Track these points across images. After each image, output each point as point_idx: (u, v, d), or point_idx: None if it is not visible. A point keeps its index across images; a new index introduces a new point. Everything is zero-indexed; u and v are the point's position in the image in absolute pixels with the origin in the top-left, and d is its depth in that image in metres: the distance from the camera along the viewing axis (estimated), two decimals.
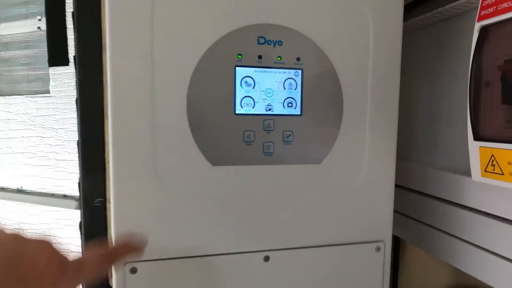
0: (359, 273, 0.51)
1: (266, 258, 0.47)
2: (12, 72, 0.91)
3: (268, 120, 0.46)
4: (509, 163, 0.42)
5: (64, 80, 0.81)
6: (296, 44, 0.46)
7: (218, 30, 0.43)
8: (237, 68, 0.44)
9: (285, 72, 0.46)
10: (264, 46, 0.45)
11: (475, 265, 0.52)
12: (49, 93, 0.84)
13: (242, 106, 0.45)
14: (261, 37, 0.45)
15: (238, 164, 0.45)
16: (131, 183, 0.42)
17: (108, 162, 0.44)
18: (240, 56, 0.44)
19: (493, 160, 0.44)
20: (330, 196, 0.49)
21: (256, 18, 0.44)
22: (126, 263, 0.43)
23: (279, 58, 0.45)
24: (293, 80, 0.46)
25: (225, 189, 0.45)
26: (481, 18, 0.45)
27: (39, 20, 0.84)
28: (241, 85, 0.45)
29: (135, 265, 0.43)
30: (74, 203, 0.82)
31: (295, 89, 0.46)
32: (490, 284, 0.50)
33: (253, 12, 0.44)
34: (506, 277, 0.47)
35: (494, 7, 0.44)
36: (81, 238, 0.78)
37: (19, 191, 0.90)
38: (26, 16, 0.87)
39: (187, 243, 0.45)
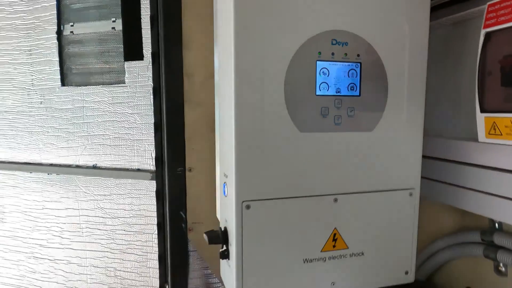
0: (397, 212, 0.70)
1: (335, 200, 0.66)
2: (87, 65, 1.05)
3: (337, 99, 0.64)
4: (505, 126, 0.62)
5: (139, 72, 0.95)
6: (357, 44, 0.64)
7: (306, 34, 0.60)
8: (317, 62, 0.62)
9: (349, 65, 0.64)
10: (336, 46, 0.62)
11: (481, 206, 0.71)
12: (124, 83, 0.99)
13: (320, 89, 0.63)
14: (334, 39, 0.62)
15: (317, 131, 0.63)
16: (250, 150, 0.59)
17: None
18: (319, 53, 0.62)
19: (494, 126, 0.64)
20: (379, 155, 0.67)
21: (331, 26, 0.61)
22: (243, 201, 0.60)
23: (345, 55, 0.63)
24: (354, 71, 0.64)
25: (308, 148, 0.63)
26: (486, 26, 0.65)
27: (113, 21, 0.99)
28: (319, 74, 0.62)
29: (249, 203, 0.61)
30: (149, 175, 0.97)
31: (356, 77, 0.64)
32: (493, 218, 0.70)
33: (329, 22, 0.61)
34: (506, 211, 0.66)
35: (495, 19, 0.63)
36: (158, 203, 0.95)
37: (95, 167, 1.05)
38: (100, 18, 1.01)
39: (284, 189, 0.62)
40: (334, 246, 0.67)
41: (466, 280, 0.88)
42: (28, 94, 1.07)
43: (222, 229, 0.68)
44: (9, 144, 1.11)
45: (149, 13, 0.90)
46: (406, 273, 0.73)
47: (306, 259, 0.65)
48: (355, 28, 0.63)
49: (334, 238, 0.67)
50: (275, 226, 0.63)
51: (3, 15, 1.06)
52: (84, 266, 1.08)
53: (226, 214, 0.67)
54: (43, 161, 1.07)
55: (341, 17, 0.62)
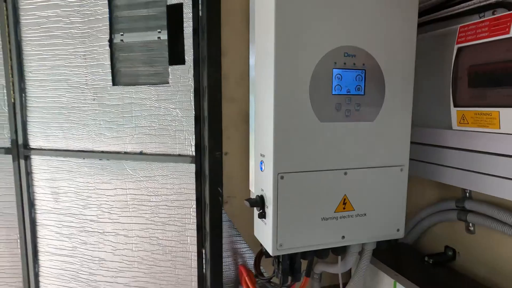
0: (392, 183, 0.92)
1: (345, 173, 0.87)
2: (135, 68, 1.24)
3: (348, 97, 0.85)
4: (471, 117, 0.84)
5: (181, 74, 1.15)
6: (362, 56, 0.85)
7: (326, 49, 0.81)
8: (333, 69, 0.83)
9: (356, 71, 0.85)
10: (347, 57, 0.84)
11: (455, 179, 0.93)
12: (168, 83, 1.19)
13: (335, 90, 0.84)
14: (345, 52, 0.83)
15: (332, 121, 0.84)
16: (284, 134, 0.80)
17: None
18: (335, 63, 0.83)
19: (463, 117, 0.86)
20: (378, 139, 0.89)
21: (343, 42, 0.83)
22: (279, 173, 0.82)
23: (353, 64, 0.84)
24: (360, 76, 0.86)
25: (326, 134, 0.84)
26: (458, 42, 0.87)
27: (159, 32, 1.18)
28: (335, 78, 0.83)
29: (283, 175, 0.82)
30: (188, 159, 1.18)
31: (361, 81, 0.86)
32: (465, 187, 0.92)
33: (342, 39, 0.82)
34: (476, 182, 0.88)
35: (465, 37, 0.85)
36: (197, 182, 1.16)
37: (141, 153, 1.25)
38: (147, 29, 1.20)
39: (308, 164, 0.83)
40: (344, 208, 0.89)
41: (445, 241, 1.11)
42: (82, 92, 1.26)
43: (259, 196, 0.90)
44: (64, 135, 1.30)
45: (191, 26, 1.11)
46: (398, 230, 0.95)
47: (323, 218, 0.87)
48: (361, 44, 0.84)
49: (344, 202, 0.89)
50: (301, 193, 0.84)
51: (61, 25, 1.25)
52: (130, 237, 1.28)
53: (263, 185, 0.89)
54: (95, 149, 1.27)
55: (351, 36, 0.83)
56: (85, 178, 1.30)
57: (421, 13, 1.02)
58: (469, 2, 0.89)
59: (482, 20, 0.80)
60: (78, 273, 1.36)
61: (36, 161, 1.36)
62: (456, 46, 0.87)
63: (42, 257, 1.41)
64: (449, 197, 1.06)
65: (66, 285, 1.39)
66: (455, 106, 0.88)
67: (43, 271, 1.42)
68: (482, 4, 0.87)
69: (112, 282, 1.32)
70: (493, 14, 0.86)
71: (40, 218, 1.39)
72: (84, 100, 1.27)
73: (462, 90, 0.86)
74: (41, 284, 1.43)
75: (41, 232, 1.40)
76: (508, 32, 0.74)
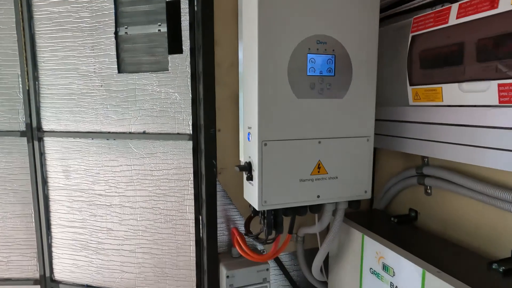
0: (359, 152, 1.09)
1: (319, 142, 1.04)
2: (137, 57, 1.40)
3: (320, 78, 1.02)
4: (422, 93, 1.01)
5: (179, 62, 1.30)
6: (332, 43, 1.01)
7: (301, 37, 0.98)
8: (308, 54, 0.99)
9: (327, 56, 1.02)
10: (319, 44, 1.00)
11: (414, 148, 1.11)
12: (168, 70, 1.35)
13: (310, 71, 1.00)
14: (318, 40, 1.00)
15: (307, 98, 1.01)
16: (267, 108, 0.97)
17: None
18: (309, 49, 0.99)
19: (417, 94, 1.03)
20: (346, 114, 1.06)
21: (316, 32, 0.99)
22: (263, 141, 0.98)
23: (325, 50, 1.01)
24: (330, 59, 1.02)
25: (302, 109, 1.01)
26: (412, 31, 1.04)
27: (159, 25, 1.34)
28: (309, 62, 1.00)
29: (267, 142, 0.98)
30: (186, 137, 1.33)
31: (332, 64, 1.02)
32: (425, 154, 1.09)
33: (315, 29, 0.99)
34: (431, 149, 1.05)
35: (417, 27, 1.02)
36: (194, 157, 1.32)
37: (144, 133, 1.41)
38: (148, 23, 1.35)
39: (287, 134, 1.00)
40: (318, 172, 1.06)
41: (409, 204, 1.28)
42: (90, 79, 1.41)
43: (247, 162, 1.06)
44: (75, 118, 1.45)
45: (187, 20, 1.27)
46: (365, 192, 1.12)
47: (301, 179, 1.04)
48: (331, 33, 1.01)
49: (319, 167, 1.06)
50: (282, 158, 1.01)
51: (71, 19, 1.40)
52: (135, 208, 1.44)
53: (250, 152, 1.05)
54: (103, 130, 1.42)
55: (322, 26, 1.00)
56: (93, 157, 1.46)
57: (385, 8, 1.20)
58: None
59: (430, 12, 0.97)
60: (88, 242, 1.52)
61: (49, 142, 1.51)
62: (411, 35, 1.04)
63: (54, 230, 1.56)
64: (411, 166, 1.23)
65: (77, 253, 1.54)
66: (410, 85, 1.05)
67: (56, 242, 1.57)
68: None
69: (118, 250, 1.48)
70: (441, 7, 1.03)
71: (52, 194, 1.55)
72: (93, 87, 1.42)
73: (415, 71, 1.03)
74: (53, 254, 1.58)
75: (53, 207, 1.56)
76: (447, 22, 0.91)
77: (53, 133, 1.50)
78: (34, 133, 1.50)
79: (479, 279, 0.84)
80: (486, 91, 0.82)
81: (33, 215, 1.56)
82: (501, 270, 0.87)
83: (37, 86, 1.48)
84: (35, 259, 1.60)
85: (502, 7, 0.76)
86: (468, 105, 0.89)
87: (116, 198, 1.46)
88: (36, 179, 1.53)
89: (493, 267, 0.88)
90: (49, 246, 1.58)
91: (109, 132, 1.42)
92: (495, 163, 0.86)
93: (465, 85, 0.88)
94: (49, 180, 1.54)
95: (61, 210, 1.54)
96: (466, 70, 0.86)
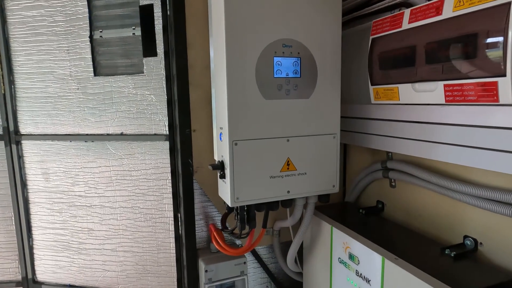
0: (326, 148, 1.15)
1: (288, 140, 1.10)
2: (112, 60, 1.42)
3: (287, 79, 1.07)
4: (381, 93, 1.08)
5: (154, 65, 1.34)
6: (297, 46, 1.07)
7: (268, 41, 1.03)
8: (274, 57, 1.05)
9: (293, 59, 1.07)
10: (285, 48, 1.06)
11: (378, 143, 1.18)
12: (143, 73, 1.38)
13: (276, 74, 1.06)
14: (283, 43, 1.05)
15: (275, 99, 1.06)
16: (236, 109, 1.02)
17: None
18: (275, 52, 1.05)
19: (377, 93, 1.10)
20: (312, 113, 1.12)
21: (282, 36, 1.04)
22: (233, 141, 1.03)
23: (290, 53, 1.06)
24: (296, 62, 1.08)
25: (270, 109, 1.06)
26: (372, 34, 1.10)
27: (133, 29, 1.37)
28: (276, 64, 1.05)
29: (237, 142, 1.04)
30: (163, 137, 1.37)
31: (297, 66, 1.08)
32: (387, 149, 1.16)
33: (281, 33, 1.04)
34: (393, 144, 1.13)
35: (376, 30, 1.08)
36: (171, 156, 1.36)
37: (122, 134, 1.44)
38: (123, 26, 1.38)
39: (257, 133, 1.05)
40: (288, 168, 1.11)
41: (376, 196, 1.36)
42: (67, 83, 1.43)
43: (220, 161, 1.11)
44: (52, 121, 1.47)
45: (161, 23, 1.30)
46: (333, 186, 1.19)
47: (271, 176, 1.10)
48: (296, 37, 1.06)
49: (288, 163, 1.11)
50: (252, 156, 1.06)
51: (45, 23, 1.41)
52: (115, 208, 1.47)
53: (222, 151, 1.10)
54: (81, 132, 1.45)
55: (287, 30, 1.05)
56: (72, 159, 1.48)
57: (348, 11, 1.26)
58: (382, 2, 1.13)
59: (386, 16, 1.04)
60: (69, 243, 1.55)
61: (27, 145, 1.52)
62: (370, 38, 1.10)
63: (35, 231, 1.58)
64: (377, 160, 1.31)
65: (58, 254, 1.57)
66: (372, 84, 1.12)
67: (37, 244, 1.59)
68: (391, 3, 1.10)
69: (100, 249, 1.52)
70: (399, 11, 1.10)
71: (32, 196, 1.56)
72: (69, 90, 1.44)
73: (375, 71, 1.10)
74: (35, 255, 1.60)
75: (33, 209, 1.57)
76: (401, 26, 0.98)
77: (31, 136, 1.51)
78: (11, 136, 1.51)
79: (432, 264, 0.92)
80: (435, 91, 0.89)
81: (13, 218, 1.58)
82: (452, 255, 0.95)
83: (13, 90, 1.49)
84: (17, 261, 1.61)
85: (445, 14, 0.83)
86: (421, 104, 0.96)
87: (96, 198, 1.49)
88: (15, 182, 1.55)
89: (446, 252, 0.96)
90: (31, 248, 1.60)
91: (87, 134, 1.45)
92: (447, 157, 0.93)
93: (417, 85, 0.95)
94: (28, 183, 1.56)
95: (42, 212, 1.56)
96: (417, 72, 0.93)
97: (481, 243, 0.97)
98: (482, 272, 0.89)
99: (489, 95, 0.76)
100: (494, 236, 0.93)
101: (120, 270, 1.51)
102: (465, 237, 1.00)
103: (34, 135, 1.51)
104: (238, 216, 1.13)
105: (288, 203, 1.19)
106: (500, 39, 0.72)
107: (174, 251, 1.44)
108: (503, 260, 0.91)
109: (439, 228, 1.09)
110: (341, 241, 1.15)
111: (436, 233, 1.10)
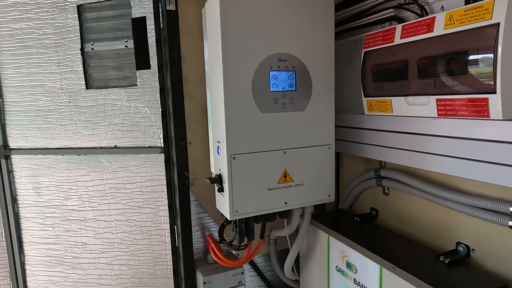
0: (322, 159, 1.17)
1: (284, 152, 1.11)
2: (105, 73, 1.41)
3: (282, 93, 1.09)
4: (375, 104, 1.11)
5: (147, 77, 1.33)
6: (292, 60, 1.09)
7: (264, 55, 1.04)
8: (270, 71, 1.06)
9: (288, 72, 1.09)
10: (280, 62, 1.07)
11: (371, 153, 1.20)
12: (137, 85, 1.38)
13: (272, 87, 1.07)
14: (279, 58, 1.07)
15: (271, 112, 1.08)
16: (234, 123, 1.02)
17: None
18: (271, 66, 1.06)
19: (371, 104, 1.13)
20: (308, 125, 1.13)
21: (277, 50, 1.06)
22: (231, 155, 1.04)
23: (286, 67, 1.08)
24: (291, 75, 1.09)
25: (267, 122, 1.07)
26: (364, 47, 1.13)
27: (126, 41, 1.36)
28: (271, 78, 1.07)
29: (235, 156, 1.04)
30: (158, 150, 1.36)
31: (293, 79, 1.10)
32: (380, 159, 1.19)
33: (276, 48, 1.05)
34: (386, 154, 1.15)
35: (368, 44, 1.11)
36: (166, 169, 1.35)
37: (116, 147, 1.43)
38: (115, 39, 1.37)
39: (254, 147, 1.06)
40: (285, 180, 1.13)
41: (370, 203, 1.39)
42: (58, 96, 1.40)
43: (218, 174, 1.12)
44: (43, 135, 1.44)
45: (154, 36, 1.30)
46: (329, 195, 1.21)
47: (269, 188, 1.11)
48: (291, 51, 1.08)
49: (285, 175, 1.13)
50: (250, 169, 1.07)
51: (34, 36, 1.38)
52: (110, 221, 1.46)
53: (220, 165, 1.11)
54: (73, 146, 1.43)
55: (282, 45, 1.07)
56: (64, 173, 1.46)
57: (340, 23, 1.28)
58: (372, 16, 1.16)
59: (378, 31, 1.06)
60: (62, 258, 1.52)
61: (17, 160, 1.49)
62: (363, 51, 1.13)
63: (27, 247, 1.55)
64: (371, 168, 1.34)
65: (51, 270, 1.54)
66: (365, 96, 1.15)
67: (29, 259, 1.56)
68: (381, 17, 1.14)
69: (95, 263, 1.50)
70: (390, 25, 1.13)
71: (23, 211, 1.53)
72: (60, 103, 1.42)
73: (368, 84, 1.13)
74: (27, 271, 1.57)
75: (24, 224, 1.54)
76: (393, 41, 1.00)
77: (21, 150, 1.48)
78: (0, 151, 1.48)
79: (428, 272, 0.95)
80: (427, 104, 0.92)
81: (3, 234, 1.54)
82: (446, 262, 0.98)
83: (1, 104, 1.46)
84: (8, 277, 1.58)
85: (436, 31, 0.86)
86: (414, 116, 0.99)
87: (90, 212, 1.47)
88: (5, 197, 1.51)
89: (440, 259, 0.99)
90: (22, 264, 1.56)
91: (79, 148, 1.43)
92: (439, 167, 0.96)
93: (410, 99, 0.98)
94: (19, 198, 1.53)
95: (33, 227, 1.53)
96: (410, 85, 0.96)
97: (473, 250, 1.00)
98: (476, 279, 0.92)
99: (480, 110, 0.79)
100: (485, 243, 0.97)
101: (116, 283, 1.49)
102: (458, 243, 1.04)
103: (25, 149, 1.48)
104: (237, 229, 1.13)
105: (286, 214, 1.20)
106: (490, 56, 0.75)
107: (171, 263, 1.43)
108: (495, 266, 0.95)
109: (432, 234, 1.13)
110: (338, 250, 1.17)
111: (429, 240, 1.14)
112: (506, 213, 0.85)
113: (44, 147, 1.46)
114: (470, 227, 1.01)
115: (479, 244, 0.99)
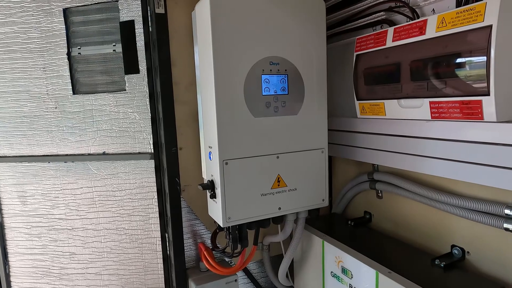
0: (315, 163, 1.16)
1: (277, 157, 1.10)
2: (92, 78, 1.37)
3: (275, 97, 1.07)
4: (368, 108, 1.10)
5: (136, 82, 1.30)
6: (284, 64, 1.07)
7: (255, 59, 1.02)
8: (262, 75, 1.04)
9: (280, 76, 1.07)
10: (272, 65, 1.06)
11: (364, 156, 1.20)
12: (125, 90, 1.34)
13: (265, 91, 1.06)
14: (271, 61, 1.05)
15: (264, 116, 1.06)
16: (226, 128, 1.00)
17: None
18: (263, 70, 1.04)
19: (363, 108, 1.12)
20: (301, 129, 1.12)
21: (269, 54, 1.04)
22: (223, 160, 1.02)
23: (278, 70, 1.07)
24: (284, 79, 1.08)
25: (259, 127, 1.06)
26: (356, 50, 1.12)
27: (114, 45, 1.33)
28: (264, 82, 1.05)
29: (227, 161, 1.02)
30: (148, 156, 1.33)
31: (285, 83, 1.08)
32: (373, 162, 1.18)
33: (268, 51, 1.04)
34: (378, 157, 1.15)
35: (360, 47, 1.11)
36: (156, 175, 1.32)
37: (104, 154, 1.39)
38: (102, 43, 1.34)
39: (247, 151, 1.04)
40: (278, 185, 1.11)
41: (364, 207, 1.38)
42: (43, 101, 1.36)
43: (210, 180, 1.09)
44: (29, 142, 1.40)
45: (143, 40, 1.27)
46: (323, 200, 1.20)
47: (262, 194, 1.09)
48: (283, 54, 1.07)
49: (278, 180, 1.11)
50: (243, 175, 1.05)
51: (18, 40, 1.34)
52: (99, 230, 1.41)
53: (212, 171, 1.08)
54: (60, 153, 1.39)
55: (274, 48, 1.06)
56: (51, 181, 1.42)
57: (331, 26, 1.28)
58: (364, 19, 1.15)
59: (370, 34, 1.06)
60: (49, 269, 1.47)
61: (1, 168, 1.44)
62: (355, 54, 1.12)
63: (12, 258, 1.50)
64: (364, 171, 1.33)
65: (38, 281, 1.49)
66: (357, 99, 1.14)
67: (14, 271, 1.50)
68: (372, 20, 1.13)
69: (83, 273, 1.45)
70: (381, 28, 1.13)
71: (7, 221, 1.48)
72: (46, 109, 1.38)
73: (360, 87, 1.12)
74: (12, 283, 1.51)
75: (9, 234, 1.49)
76: (385, 44, 1.00)
77: (6, 158, 1.43)
78: None
79: (424, 276, 0.94)
80: (420, 107, 0.92)
81: None
82: (442, 265, 0.97)
83: None
84: None
85: (428, 34, 0.86)
86: (407, 119, 0.99)
87: (77, 221, 1.43)
88: None
89: (436, 262, 0.99)
90: (7, 276, 1.51)
91: (66, 155, 1.39)
92: (433, 170, 0.96)
93: (403, 102, 0.98)
94: (3, 207, 1.47)
95: (19, 237, 1.48)
96: (403, 88, 0.96)
97: (468, 252, 1.00)
98: (472, 282, 0.92)
99: (474, 113, 0.78)
100: (480, 245, 0.97)
101: None
102: (453, 246, 1.03)
103: (9, 157, 1.43)
104: (230, 236, 1.11)
105: (279, 220, 1.18)
106: (483, 58, 0.75)
107: (162, 272, 1.40)
108: (490, 268, 0.95)
109: (427, 237, 1.12)
110: (333, 255, 1.15)
111: (424, 243, 1.13)
112: (501, 215, 0.85)
113: (30, 154, 1.41)
114: (465, 229, 1.00)
115: (474, 246, 0.98)
